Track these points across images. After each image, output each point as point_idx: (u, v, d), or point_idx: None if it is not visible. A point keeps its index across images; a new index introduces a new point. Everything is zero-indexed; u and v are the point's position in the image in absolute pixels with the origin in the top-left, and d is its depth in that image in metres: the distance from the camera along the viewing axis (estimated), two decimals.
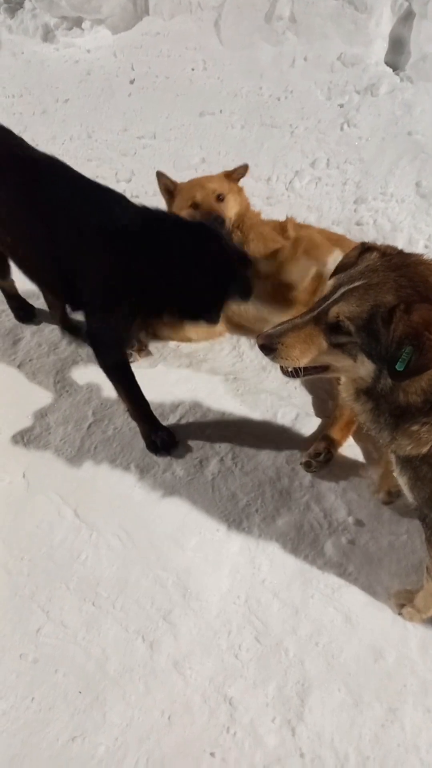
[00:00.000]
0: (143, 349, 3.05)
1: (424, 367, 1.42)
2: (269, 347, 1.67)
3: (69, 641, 2.05)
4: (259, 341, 1.70)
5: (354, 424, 2.58)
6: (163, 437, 2.60)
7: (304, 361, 1.65)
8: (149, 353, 3.06)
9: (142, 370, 2.97)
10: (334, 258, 2.66)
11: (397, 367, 1.42)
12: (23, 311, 3.25)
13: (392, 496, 2.34)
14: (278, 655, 1.98)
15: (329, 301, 1.57)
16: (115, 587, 2.17)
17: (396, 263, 1.53)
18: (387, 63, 4.87)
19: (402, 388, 1.52)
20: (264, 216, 3.23)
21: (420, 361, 1.40)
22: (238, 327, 3.11)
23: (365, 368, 1.57)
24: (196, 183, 2.94)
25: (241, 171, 3.10)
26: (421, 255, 1.60)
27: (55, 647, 2.04)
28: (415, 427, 1.57)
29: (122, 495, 2.45)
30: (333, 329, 1.57)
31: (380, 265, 1.53)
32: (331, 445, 2.50)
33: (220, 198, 2.88)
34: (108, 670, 1.97)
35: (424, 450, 1.58)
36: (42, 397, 2.86)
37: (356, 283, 1.52)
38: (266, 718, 1.86)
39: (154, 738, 1.83)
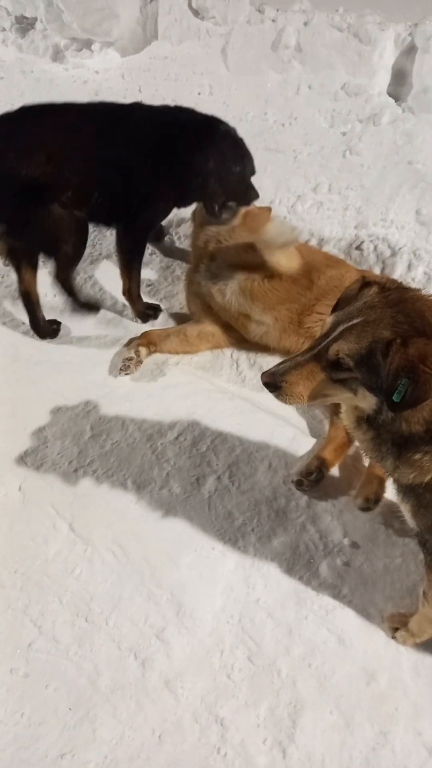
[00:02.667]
0: (140, 363, 3.08)
1: (420, 398, 1.46)
2: (274, 385, 1.72)
3: (61, 656, 2.04)
4: (264, 379, 1.74)
5: (348, 446, 2.60)
6: (149, 310, 3.40)
7: (307, 397, 1.70)
8: (140, 363, 3.10)
9: (141, 386, 3.01)
10: (269, 227, 2.81)
11: (394, 398, 1.47)
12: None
13: (369, 503, 2.40)
14: (271, 675, 1.98)
15: (329, 339, 1.62)
16: (108, 603, 2.16)
17: (393, 299, 1.58)
18: (389, 94, 4.99)
19: (404, 418, 1.56)
20: None
21: (415, 392, 1.44)
22: (232, 334, 3.16)
23: (367, 401, 1.61)
24: None
25: None
26: (419, 290, 1.66)
27: (46, 662, 2.03)
28: (417, 456, 1.59)
29: (118, 510, 2.46)
30: (334, 366, 1.61)
31: (378, 302, 1.58)
32: (323, 465, 2.52)
33: None
34: (99, 686, 1.96)
35: (427, 478, 1.61)
36: (40, 410, 2.87)
37: (354, 321, 1.57)
38: (257, 738, 1.85)
39: (144, 756, 1.81)
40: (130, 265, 3.27)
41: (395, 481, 1.74)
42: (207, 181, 3.01)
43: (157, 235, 3.96)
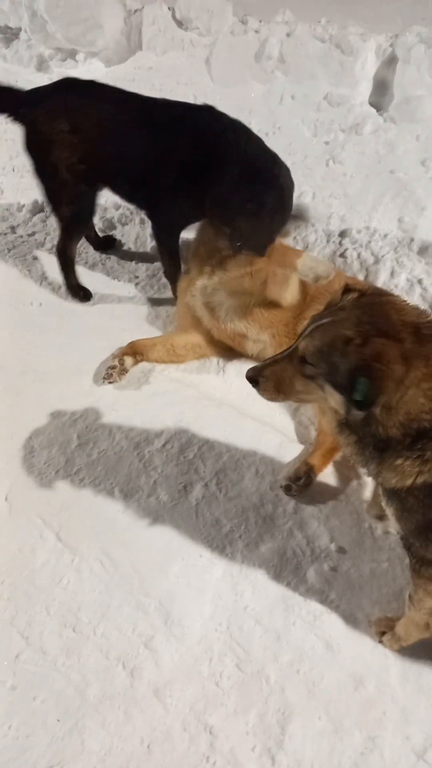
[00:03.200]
0: (123, 372, 3.08)
1: (376, 396, 1.51)
2: (255, 380, 1.84)
3: (48, 667, 2.02)
4: (248, 374, 1.86)
5: (335, 452, 2.62)
6: None
7: (283, 393, 1.80)
8: (125, 372, 3.10)
9: (128, 394, 3.02)
10: (302, 262, 2.78)
11: (355, 397, 1.52)
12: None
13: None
14: (259, 682, 1.98)
15: (301, 338, 1.70)
16: (96, 612, 2.15)
17: (364, 302, 1.65)
18: (371, 104, 5.06)
19: (379, 422, 1.59)
20: None
21: (373, 390, 1.49)
22: (219, 345, 3.17)
23: (334, 399, 1.66)
24: None
25: None
26: (393, 295, 1.71)
27: (34, 674, 2.01)
28: (398, 461, 1.62)
29: (106, 519, 2.45)
30: (303, 362, 1.69)
31: (349, 304, 1.65)
32: (311, 470, 2.53)
33: None
34: (88, 697, 1.95)
35: (409, 482, 1.63)
36: (26, 419, 2.86)
37: (324, 321, 1.64)
38: (246, 746, 1.85)
39: (133, 766, 1.81)
40: (161, 252, 3.49)
41: (379, 485, 1.77)
42: (235, 218, 2.87)
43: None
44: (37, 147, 3.29)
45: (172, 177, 3.10)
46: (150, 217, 3.46)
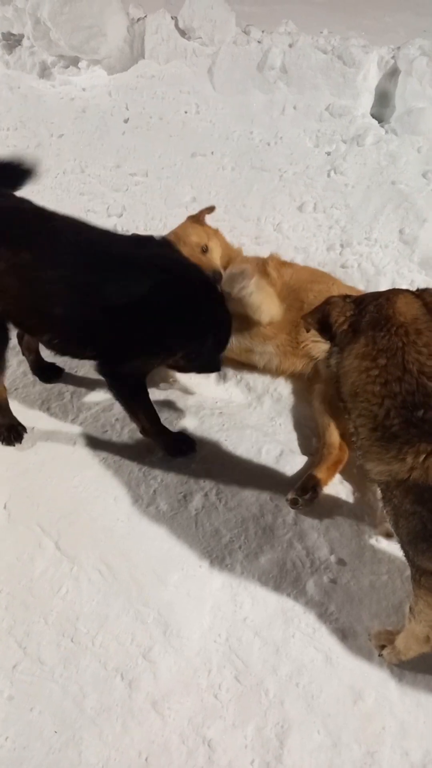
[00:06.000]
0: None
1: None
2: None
3: (46, 678, 2.01)
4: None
5: (340, 465, 2.62)
6: (184, 440, 2.78)
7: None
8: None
9: None
10: (255, 282, 2.82)
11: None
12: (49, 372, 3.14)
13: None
14: (258, 695, 1.97)
15: None
16: (94, 622, 2.15)
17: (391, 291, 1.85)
18: (373, 115, 5.08)
19: (339, 386, 1.76)
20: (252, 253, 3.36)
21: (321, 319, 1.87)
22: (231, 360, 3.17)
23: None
24: (177, 240, 2.94)
25: (206, 212, 3.23)
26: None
27: (31, 684, 2.00)
28: (390, 452, 1.62)
29: (105, 528, 2.44)
30: None
31: None
32: (318, 484, 2.52)
33: (204, 250, 2.97)
34: (85, 708, 1.94)
35: (401, 476, 1.61)
36: (26, 427, 2.86)
37: None
38: (245, 760, 1.84)
39: None
40: (132, 411, 2.70)
41: (370, 480, 1.80)
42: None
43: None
44: None
45: (128, 314, 2.40)
46: (105, 370, 2.59)
